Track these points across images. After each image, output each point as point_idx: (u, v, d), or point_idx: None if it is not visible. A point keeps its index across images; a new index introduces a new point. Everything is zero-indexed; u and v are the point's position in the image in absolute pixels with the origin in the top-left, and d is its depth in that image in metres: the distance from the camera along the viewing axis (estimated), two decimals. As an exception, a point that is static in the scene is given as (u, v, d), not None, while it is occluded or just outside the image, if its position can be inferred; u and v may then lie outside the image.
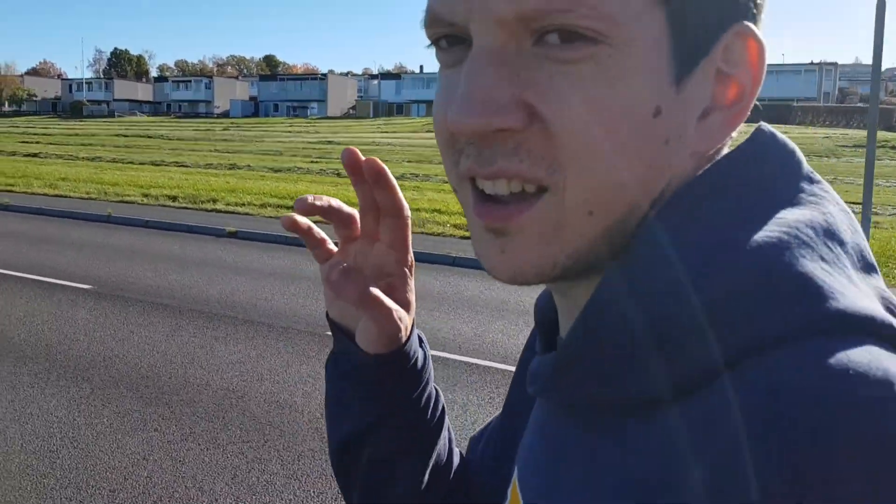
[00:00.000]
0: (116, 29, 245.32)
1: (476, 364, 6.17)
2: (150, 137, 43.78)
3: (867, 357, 0.36)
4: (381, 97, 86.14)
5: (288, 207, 15.08)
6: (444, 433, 0.73)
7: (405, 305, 0.65)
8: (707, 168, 0.47)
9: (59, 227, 13.38)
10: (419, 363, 0.68)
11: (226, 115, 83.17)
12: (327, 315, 0.70)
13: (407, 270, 0.66)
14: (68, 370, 5.72)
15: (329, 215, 0.63)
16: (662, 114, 0.43)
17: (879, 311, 0.40)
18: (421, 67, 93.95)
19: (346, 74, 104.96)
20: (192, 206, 15.86)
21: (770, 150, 0.47)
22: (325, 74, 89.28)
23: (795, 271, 0.40)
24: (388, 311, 0.62)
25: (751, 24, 0.45)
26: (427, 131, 50.59)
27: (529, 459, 0.55)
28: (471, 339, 6.88)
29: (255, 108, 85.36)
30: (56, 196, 17.67)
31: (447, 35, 0.47)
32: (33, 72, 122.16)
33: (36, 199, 16.91)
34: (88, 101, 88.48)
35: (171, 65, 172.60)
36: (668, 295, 0.41)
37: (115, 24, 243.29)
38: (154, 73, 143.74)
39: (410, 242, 0.65)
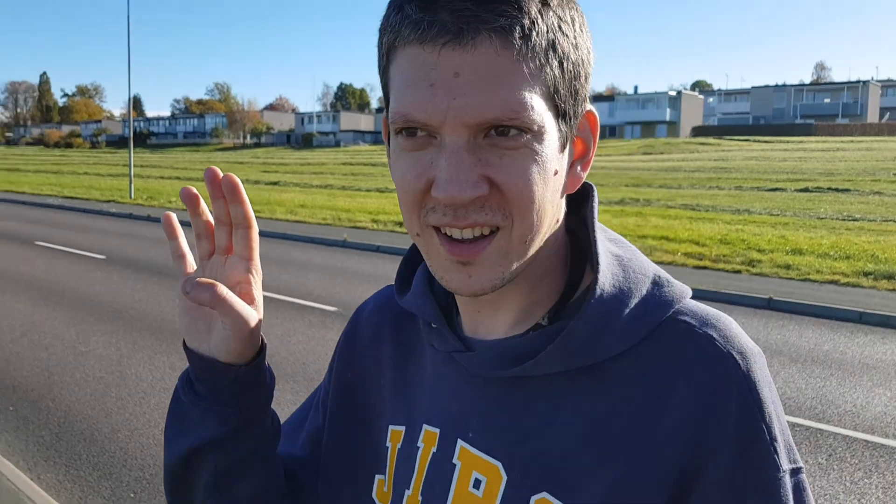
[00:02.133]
0: (342, 65, 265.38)
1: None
2: (373, 165, 46.47)
3: (701, 305, 0.72)
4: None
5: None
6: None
7: (255, 303, 0.79)
8: (593, 217, 0.75)
9: (302, 252, 14.49)
10: (268, 378, 0.82)
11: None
12: (184, 344, 0.80)
13: (254, 273, 0.79)
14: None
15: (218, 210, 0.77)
16: (558, 173, 0.68)
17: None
18: (635, 88, 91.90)
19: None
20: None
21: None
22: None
23: (661, 272, 0.75)
24: (238, 307, 0.75)
25: (590, 106, 0.72)
26: (644, 153, 49.25)
27: (485, 425, 0.73)
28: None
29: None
30: (296, 222, 19.22)
31: (413, 128, 0.64)
32: (271, 107, 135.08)
33: (279, 225, 18.50)
34: (318, 132, 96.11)
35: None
36: (622, 296, 0.70)
37: (342, 61, 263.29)
38: (374, 104, 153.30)
39: (258, 249, 0.79)
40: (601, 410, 0.68)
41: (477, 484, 0.72)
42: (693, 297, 0.73)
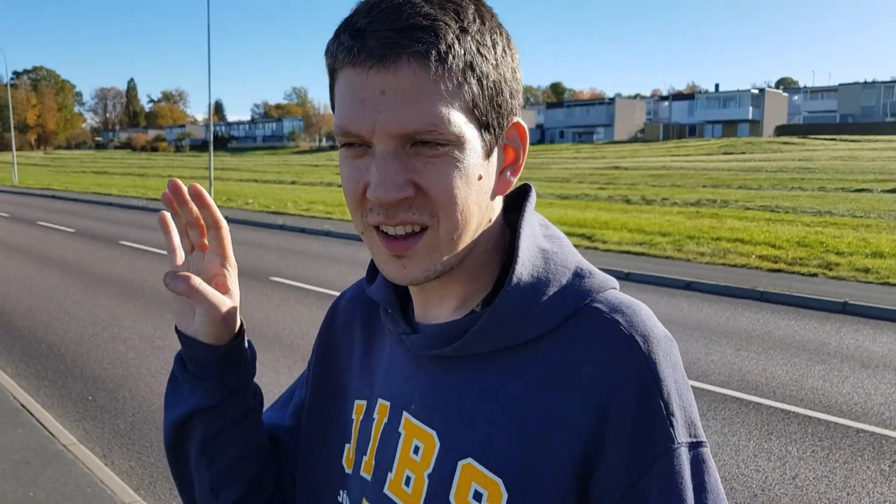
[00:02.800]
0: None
1: (794, 412, 5.57)
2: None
3: (621, 295, 0.81)
4: (672, 119, 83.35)
5: (578, 235, 15.11)
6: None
7: (229, 292, 0.91)
8: (523, 216, 0.83)
9: (329, 245, 14.70)
10: (249, 357, 0.95)
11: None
12: (175, 328, 0.93)
13: (229, 267, 0.92)
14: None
15: (189, 211, 0.89)
16: (482, 178, 0.76)
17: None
18: (716, 86, 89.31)
19: (635, 97, 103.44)
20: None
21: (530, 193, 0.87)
22: (612, 99, 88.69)
23: (585, 264, 0.83)
24: (210, 296, 0.87)
25: (518, 117, 0.80)
26: (724, 153, 47.92)
27: (424, 399, 0.83)
28: (786, 383, 6.24)
29: (540, 136, 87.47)
30: (367, 222, 19.49)
31: (352, 140, 0.74)
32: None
33: (350, 226, 18.81)
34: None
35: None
36: (540, 285, 0.79)
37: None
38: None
39: (230, 246, 0.92)
40: (520, 387, 0.77)
41: (416, 450, 0.82)
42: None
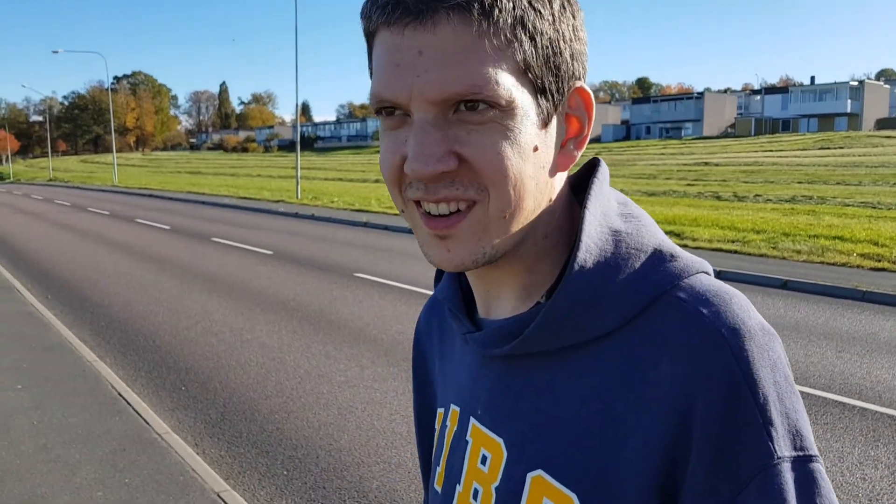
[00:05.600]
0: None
1: (904, 419, 5.23)
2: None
3: (710, 281, 0.69)
4: (765, 113, 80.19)
5: (666, 231, 14.68)
6: None
7: None
8: (590, 193, 0.73)
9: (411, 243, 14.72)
10: None
11: (597, 140, 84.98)
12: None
13: None
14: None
15: None
16: (539, 150, 0.67)
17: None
18: (812, 79, 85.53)
19: (725, 91, 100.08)
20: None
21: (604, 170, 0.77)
22: (700, 93, 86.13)
23: (667, 246, 0.71)
24: None
25: (581, 82, 0.70)
26: (820, 148, 45.89)
27: (490, 404, 0.76)
28: (893, 388, 5.87)
29: (626, 132, 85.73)
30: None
31: (389, 107, 0.66)
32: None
33: (390, 219, 18.89)
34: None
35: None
36: (608, 272, 0.68)
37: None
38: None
39: None
40: (591, 390, 0.68)
41: (484, 460, 0.75)
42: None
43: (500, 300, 0.77)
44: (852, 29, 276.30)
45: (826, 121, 73.37)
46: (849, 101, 73.69)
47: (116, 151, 58.45)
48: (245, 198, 30.77)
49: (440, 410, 0.88)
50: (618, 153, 56.38)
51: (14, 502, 3.91)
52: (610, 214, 0.73)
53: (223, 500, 4.00)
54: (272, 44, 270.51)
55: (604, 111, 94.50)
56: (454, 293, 0.83)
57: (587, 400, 0.68)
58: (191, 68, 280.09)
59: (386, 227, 18.72)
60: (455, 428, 0.81)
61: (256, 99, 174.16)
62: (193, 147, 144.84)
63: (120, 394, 5.75)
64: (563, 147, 0.70)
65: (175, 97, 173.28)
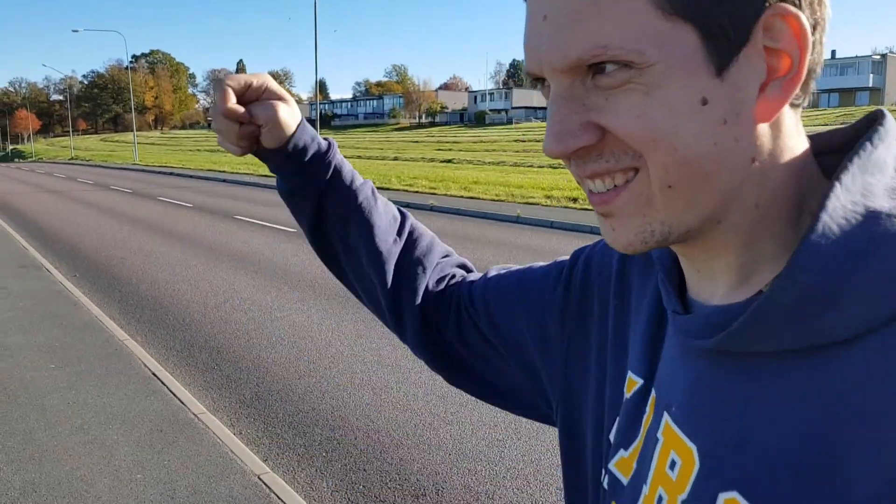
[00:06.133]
0: (515, 41, 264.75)
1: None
2: (546, 141, 46.08)
3: None
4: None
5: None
6: (384, 216, 1.02)
7: (278, 97, 0.96)
8: (852, 158, 0.56)
9: (477, 227, 14.62)
10: (320, 147, 0.99)
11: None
12: (256, 154, 0.98)
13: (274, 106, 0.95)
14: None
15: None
16: (710, 102, 0.53)
17: None
18: (833, 53, 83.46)
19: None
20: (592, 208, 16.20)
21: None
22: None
23: None
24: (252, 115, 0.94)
25: (784, 4, 0.53)
26: (841, 123, 45.07)
27: (687, 402, 0.63)
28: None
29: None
30: (470, 198, 19.44)
31: (537, 78, 0.60)
32: (445, 86, 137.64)
33: (454, 201, 18.80)
34: (490, 110, 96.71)
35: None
36: (856, 257, 0.52)
37: (514, 37, 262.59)
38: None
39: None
40: (814, 406, 0.53)
41: (673, 465, 0.64)
42: None
43: (711, 282, 0.64)
44: (873, 1, 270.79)
45: (847, 95, 72.18)
46: (871, 75, 72.37)
47: (136, 130, 58.67)
48: (265, 175, 30.73)
49: (634, 377, 0.73)
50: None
51: (54, 484, 3.88)
52: (874, 189, 0.55)
53: (264, 483, 3.95)
54: (288, 21, 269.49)
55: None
56: (667, 258, 0.70)
57: (807, 420, 0.53)
58: (208, 46, 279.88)
59: (407, 205, 18.60)
60: (651, 419, 0.68)
61: (273, 76, 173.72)
62: (211, 125, 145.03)
63: (154, 373, 5.72)
64: (763, 91, 0.55)
65: (193, 75, 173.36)
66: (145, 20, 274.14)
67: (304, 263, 10.67)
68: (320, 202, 0.99)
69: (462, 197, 19.73)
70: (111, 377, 5.63)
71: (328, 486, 4.06)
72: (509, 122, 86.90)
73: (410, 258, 1.02)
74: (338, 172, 1.00)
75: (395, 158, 42.95)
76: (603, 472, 0.75)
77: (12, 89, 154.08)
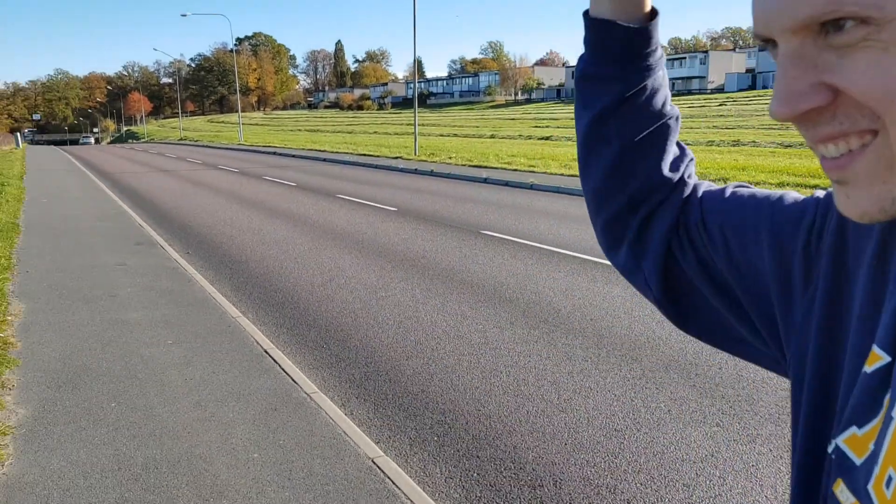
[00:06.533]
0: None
1: None
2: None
3: None
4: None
5: (810, 186, 13.67)
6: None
7: None
8: None
9: (579, 206, 14.25)
10: (656, 48, 0.88)
11: (720, 90, 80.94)
12: (586, 14, 0.89)
13: None
14: (616, 347, 5.82)
15: None
16: None
17: None
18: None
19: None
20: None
21: None
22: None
23: None
24: None
25: None
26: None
27: None
28: None
29: (751, 81, 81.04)
30: (571, 176, 18.98)
31: (766, 40, 0.58)
32: (541, 62, 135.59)
33: (554, 179, 18.42)
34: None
35: (664, 43, 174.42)
36: None
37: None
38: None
39: None
40: None
41: (889, 482, 0.58)
42: None
43: None
44: None
45: None
46: None
47: (240, 111, 60.66)
48: (365, 154, 31.12)
49: (875, 350, 0.65)
50: (742, 103, 53.37)
51: (174, 462, 3.94)
52: None
53: (378, 466, 3.88)
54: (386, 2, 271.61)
55: (727, 59, 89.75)
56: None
57: None
58: (308, 28, 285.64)
59: (507, 184, 18.39)
60: (891, 398, 0.61)
61: (370, 56, 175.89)
62: (311, 106, 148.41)
63: (265, 351, 5.78)
64: None
65: (293, 57, 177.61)
66: (249, 3, 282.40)
67: (406, 242, 10.66)
68: (634, 91, 0.89)
69: (563, 175, 19.30)
70: (225, 354, 5.73)
71: (441, 473, 3.97)
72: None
73: (684, 182, 0.91)
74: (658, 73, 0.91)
75: (492, 136, 42.66)
76: (830, 443, 0.68)
77: (126, 73, 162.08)
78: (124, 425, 4.38)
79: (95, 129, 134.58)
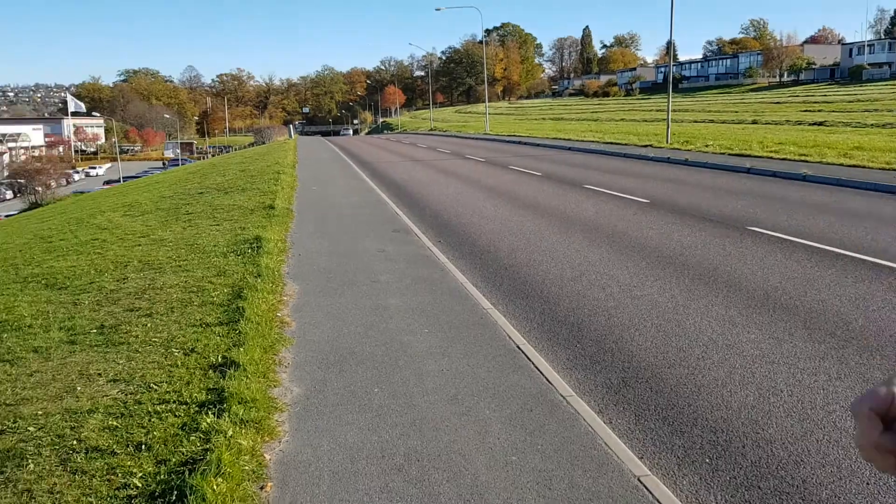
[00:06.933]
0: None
1: None
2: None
3: None
4: None
5: None
6: None
7: None
8: None
9: (865, 201, 12.57)
10: None
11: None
12: None
13: None
14: (926, 372, 4.91)
15: None
16: None
17: None
18: None
19: None
20: None
21: None
22: None
23: None
24: None
25: None
26: None
27: None
28: None
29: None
30: (852, 166, 16.87)
31: None
32: (812, 40, 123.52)
33: (831, 170, 16.48)
34: (868, 64, 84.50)
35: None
36: None
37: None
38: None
39: None
40: None
41: None
42: None
43: None
44: None
45: None
46: None
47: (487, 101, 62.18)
48: (610, 143, 30.30)
49: None
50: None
51: (434, 455, 3.90)
52: None
53: (645, 487, 3.55)
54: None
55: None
56: None
57: None
58: (555, 15, 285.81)
59: (774, 174, 16.80)
60: None
61: (619, 41, 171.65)
62: (555, 94, 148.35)
63: (518, 346, 5.65)
64: None
65: (539, 45, 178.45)
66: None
67: (662, 237, 10.05)
68: None
69: (842, 165, 17.22)
70: (479, 347, 5.68)
71: (717, 502, 3.54)
72: (893, 77, 75.18)
73: None
74: None
75: (754, 122, 39.57)
76: None
77: (383, 67, 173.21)
78: (387, 413, 4.46)
79: (356, 121, 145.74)
